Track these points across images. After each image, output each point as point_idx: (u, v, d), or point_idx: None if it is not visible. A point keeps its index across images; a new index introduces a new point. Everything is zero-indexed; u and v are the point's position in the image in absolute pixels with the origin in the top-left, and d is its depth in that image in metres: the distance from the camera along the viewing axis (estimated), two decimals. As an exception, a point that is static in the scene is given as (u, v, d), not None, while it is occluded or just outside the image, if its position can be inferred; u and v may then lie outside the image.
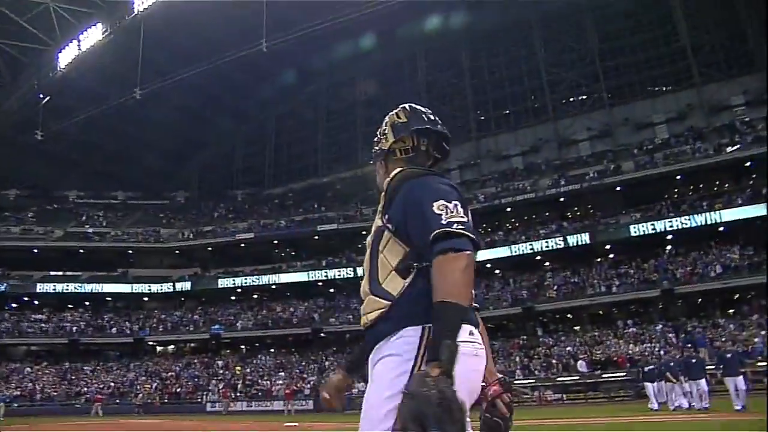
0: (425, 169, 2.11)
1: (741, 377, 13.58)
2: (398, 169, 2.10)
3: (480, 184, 49.68)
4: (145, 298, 50.29)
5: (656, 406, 16.27)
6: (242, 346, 46.73)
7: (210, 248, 50.87)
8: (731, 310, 32.57)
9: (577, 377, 27.94)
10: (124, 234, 50.66)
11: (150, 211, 55.56)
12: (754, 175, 36.38)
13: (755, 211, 33.16)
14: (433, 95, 56.29)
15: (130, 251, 50.67)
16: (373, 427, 1.83)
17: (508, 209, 44.64)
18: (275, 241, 51.14)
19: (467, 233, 1.80)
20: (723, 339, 25.12)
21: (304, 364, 41.23)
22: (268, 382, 37.21)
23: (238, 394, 36.17)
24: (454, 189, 2.02)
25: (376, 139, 2.39)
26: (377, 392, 1.90)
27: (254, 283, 48.19)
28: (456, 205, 1.90)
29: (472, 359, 1.83)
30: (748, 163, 35.47)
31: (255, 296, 50.12)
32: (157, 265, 51.00)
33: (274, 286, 48.56)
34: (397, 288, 1.94)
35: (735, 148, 35.73)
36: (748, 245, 33.73)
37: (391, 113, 2.38)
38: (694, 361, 14.71)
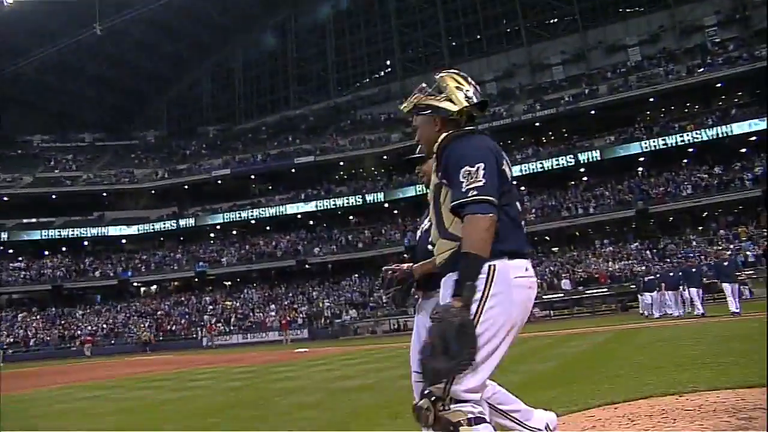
0: (463, 130, 2.31)
1: (737, 284, 14.48)
2: (445, 134, 2.31)
3: (455, 112, 49.63)
4: (123, 240, 50.01)
5: (657, 314, 17.32)
6: (227, 282, 47.29)
7: (186, 187, 50.34)
8: (700, 227, 34.36)
9: (562, 294, 29.55)
10: (96, 177, 49.61)
11: (120, 152, 54.21)
12: (723, 96, 37.51)
13: (724, 130, 34.45)
14: (404, 21, 55.21)
15: (105, 194, 49.81)
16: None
17: (484, 134, 44.96)
18: (252, 176, 50.91)
19: (483, 197, 2.08)
20: (698, 253, 26.70)
21: (291, 295, 42.22)
22: (261, 314, 38.11)
23: (232, 328, 37.09)
24: (480, 149, 2.23)
25: (422, 93, 2.48)
26: None
27: (234, 219, 48.24)
28: (478, 168, 2.13)
29: (526, 291, 2.19)
30: (718, 84, 36.42)
31: (234, 232, 50.35)
32: (133, 206, 50.42)
33: (253, 221, 48.76)
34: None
35: (701, 70, 36.43)
36: (717, 164, 35.18)
37: (445, 75, 2.50)
38: (693, 270, 15.42)
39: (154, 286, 48.91)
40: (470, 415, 2.02)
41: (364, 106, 55.40)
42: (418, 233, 3.13)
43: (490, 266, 2.15)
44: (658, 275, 17.56)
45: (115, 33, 47.57)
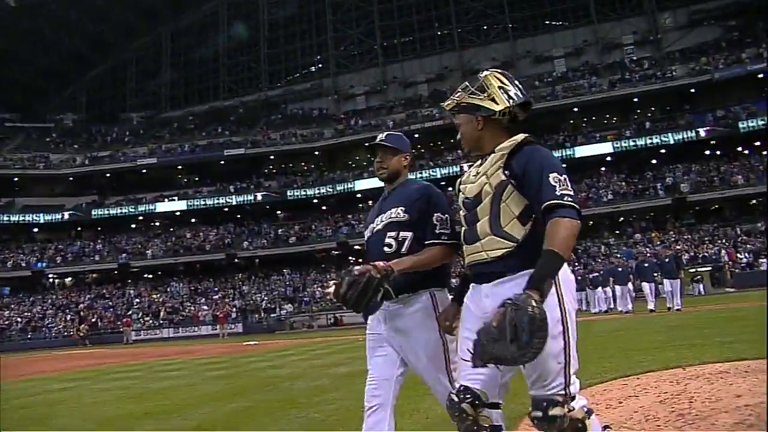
0: (530, 137, 2.35)
1: (678, 280, 15.25)
2: (521, 136, 2.33)
3: (387, 110, 50.36)
4: (35, 229, 46.99)
5: (605, 308, 18.53)
6: (148, 275, 45.45)
7: (108, 174, 48.03)
8: (617, 231, 37.02)
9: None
10: (7, 160, 46.23)
11: (34, 135, 50.77)
12: (639, 110, 40.62)
13: (640, 142, 37.38)
14: (340, 18, 55.27)
15: (16, 179, 46.50)
16: (551, 347, 2.11)
17: (416, 135, 45.89)
18: (179, 167, 49.34)
19: (575, 205, 2.14)
20: (617, 255, 28.92)
21: (218, 289, 41.39)
22: (193, 308, 37.16)
23: (162, 322, 35.93)
24: (557, 160, 2.31)
25: (465, 91, 2.47)
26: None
27: (159, 211, 46.58)
28: (566, 179, 2.18)
29: (572, 283, 2.30)
30: (635, 99, 39.41)
31: (158, 224, 48.63)
32: (47, 193, 47.40)
33: (179, 213, 47.33)
34: (519, 233, 2.23)
35: (620, 85, 39.29)
36: (633, 174, 38.07)
37: (490, 73, 2.47)
38: (646, 265, 16.32)
39: (69, 278, 46.28)
40: (586, 407, 2.13)
41: (295, 101, 55.05)
42: (367, 233, 2.95)
43: None
44: (606, 273, 18.60)
45: (31, 6, 44.61)
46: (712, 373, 4.92)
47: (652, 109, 40.97)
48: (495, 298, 2.22)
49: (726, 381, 4.58)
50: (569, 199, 2.13)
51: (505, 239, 2.24)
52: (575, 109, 41.15)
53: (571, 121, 42.99)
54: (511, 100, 2.37)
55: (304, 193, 46.30)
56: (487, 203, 2.30)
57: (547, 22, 49.68)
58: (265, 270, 44.42)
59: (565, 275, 2.21)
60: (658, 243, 31.26)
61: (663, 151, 38.30)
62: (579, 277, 19.50)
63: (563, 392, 2.11)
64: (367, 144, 3.01)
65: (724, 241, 30.85)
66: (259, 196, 46.32)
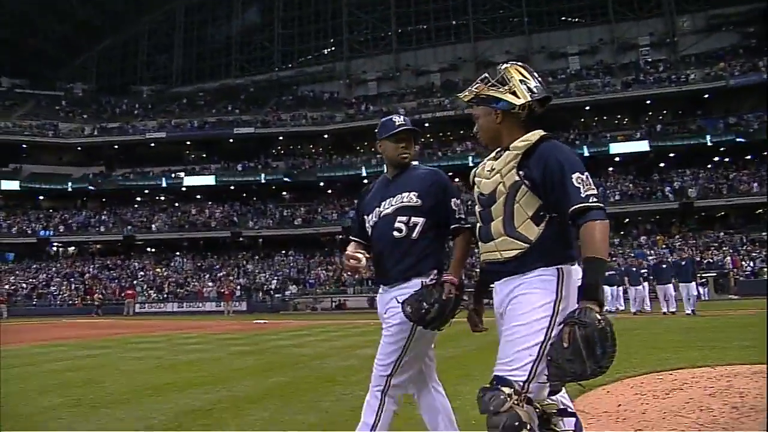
0: (549, 134, 2.32)
1: (693, 283, 15.18)
2: (534, 134, 2.29)
3: (399, 97, 50.30)
4: (41, 197, 47.10)
5: (613, 308, 17.71)
6: (150, 249, 45.63)
7: (116, 146, 48.04)
8: (622, 233, 37.23)
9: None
10: (16, 126, 46.17)
11: (43, 102, 50.68)
12: (650, 113, 40.65)
13: (651, 144, 37.48)
14: (355, 2, 54.99)
15: (24, 145, 46.49)
16: (528, 338, 2.16)
17: (427, 124, 45.96)
18: (188, 142, 49.34)
19: (601, 204, 2.13)
20: (632, 255, 29.07)
21: (222, 267, 41.61)
22: (198, 284, 37.42)
23: (167, 295, 36.21)
24: (578, 156, 2.27)
25: (484, 83, 2.40)
26: (527, 315, 2.20)
27: (166, 185, 46.66)
28: (587, 176, 2.16)
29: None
30: (648, 101, 39.42)
31: (163, 198, 48.76)
32: (55, 162, 47.43)
33: (184, 189, 47.47)
34: (533, 233, 2.23)
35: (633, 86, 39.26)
36: (640, 176, 38.18)
37: (510, 65, 2.42)
38: (664, 266, 16.05)
39: (73, 248, 46.47)
40: (534, 425, 2.09)
41: (306, 83, 54.99)
42: (372, 217, 2.93)
43: (559, 269, 2.23)
44: (621, 272, 18.36)
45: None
46: (748, 374, 5.13)
47: (664, 112, 41.01)
48: (500, 295, 2.32)
49: (757, 384, 4.80)
50: (594, 199, 2.12)
51: (519, 240, 2.24)
52: (587, 108, 41.15)
53: (583, 119, 43.00)
54: (531, 94, 2.33)
55: (311, 176, 46.43)
56: (501, 203, 2.29)
57: (564, 19, 49.52)
58: (268, 250, 44.65)
59: (571, 280, 2.23)
60: (663, 246, 31.47)
61: (672, 154, 38.44)
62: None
63: (522, 384, 2.09)
64: (397, 130, 2.94)
65: (728, 248, 31.04)
66: (266, 177, 46.49)
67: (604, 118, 42.41)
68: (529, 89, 2.33)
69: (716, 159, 38.24)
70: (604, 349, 1.95)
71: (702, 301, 23.11)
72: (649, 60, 43.21)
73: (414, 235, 2.78)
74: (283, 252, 43.91)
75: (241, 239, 44.49)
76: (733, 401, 4.02)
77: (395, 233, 2.80)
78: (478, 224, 2.42)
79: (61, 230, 43.72)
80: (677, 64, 41.72)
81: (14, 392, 5.98)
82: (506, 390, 2.07)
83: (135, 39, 57.72)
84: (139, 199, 48.43)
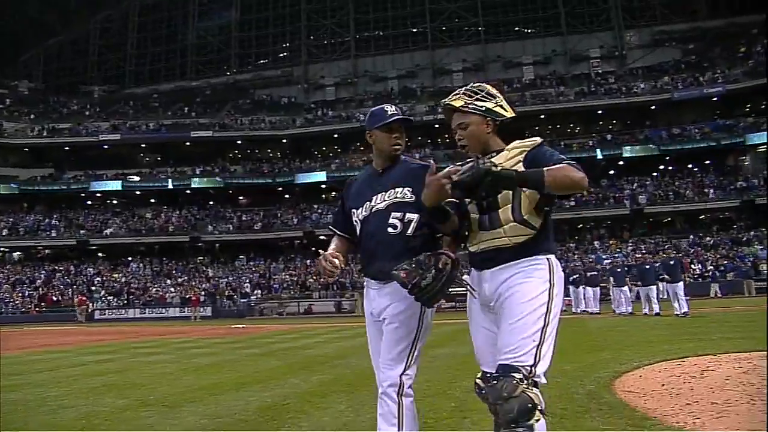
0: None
1: (681, 283, 14.60)
2: (539, 139, 2.49)
3: (357, 103, 50.67)
4: (-20, 200, 44.96)
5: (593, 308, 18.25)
6: (101, 254, 44.14)
7: (67, 148, 46.40)
8: (577, 237, 38.80)
9: (463, 289, 31.91)
10: (-45, 125, 43.99)
11: (-15, 99, 48.45)
12: (601, 122, 42.64)
13: (600, 153, 39.30)
14: (314, 7, 55.13)
15: (-36, 145, 44.33)
16: (530, 326, 2.26)
17: (385, 131, 46.52)
18: (143, 145, 48.23)
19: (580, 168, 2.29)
20: (590, 258, 30.52)
21: (182, 272, 40.84)
22: (159, 289, 36.64)
23: (127, 302, 35.31)
24: None
25: (474, 94, 2.55)
26: (527, 303, 2.31)
27: (120, 188, 45.42)
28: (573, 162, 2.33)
29: (562, 280, 2.45)
30: (599, 111, 41.35)
31: (115, 202, 47.45)
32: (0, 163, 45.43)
33: (138, 192, 46.36)
34: (536, 222, 2.38)
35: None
36: (592, 183, 39.94)
37: (492, 85, 2.62)
38: (647, 267, 15.86)
39: (18, 253, 44.50)
40: (542, 406, 2.19)
41: (264, 87, 54.64)
42: (362, 211, 2.83)
43: (549, 259, 2.40)
44: (586, 273, 19.17)
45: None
46: (757, 359, 5.81)
47: (614, 121, 43.08)
48: (493, 282, 2.40)
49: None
50: (574, 162, 2.30)
51: (526, 227, 2.36)
52: (542, 116, 42.70)
53: (537, 128, 44.51)
54: (512, 111, 2.58)
55: (269, 180, 46.23)
56: (509, 192, 2.38)
57: (518, 29, 51.21)
58: (227, 255, 44.14)
59: (559, 272, 2.41)
60: (617, 251, 33.10)
61: (621, 162, 40.44)
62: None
63: (529, 368, 2.21)
64: (390, 120, 2.80)
65: (676, 252, 32.95)
66: (225, 181, 46.00)
67: (558, 126, 44.11)
68: (510, 106, 2.60)
69: (662, 167, 40.46)
70: (469, 178, 2.22)
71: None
72: (600, 72, 45.30)
73: (409, 231, 2.70)
74: (243, 257, 43.53)
75: (200, 244, 43.82)
76: (769, 377, 4.65)
77: (390, 230, 2.72)
78: (475, 216, 2.47)
79: (4, 234, 41.83)
80: (626, 76, 43.91)
81: (56, 396, 6.00)
82: (517, 375, 2.17)
83: (86, 37, 55.94)
84: (90, 202, 46.95)
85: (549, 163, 2.30)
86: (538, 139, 2.48)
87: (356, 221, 2.85)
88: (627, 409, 4.26)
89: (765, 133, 34.95)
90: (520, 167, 2.36)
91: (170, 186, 45.22)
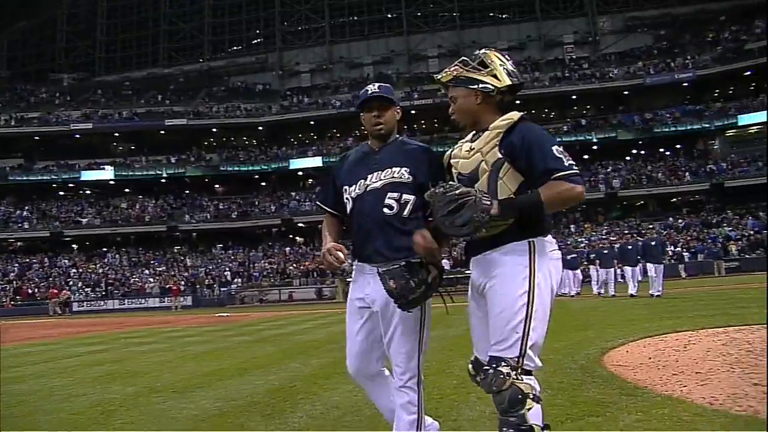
0: (522, 114, 2.39)
1: (662, 265, 14.53)
2: (515, 114, 2.36)
3: (333, 90, 50.51)
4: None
5: (574, 291, 18.25)
6: (74, 246, 43.46)
7: (37, 137, 45.41)
8: (551, 221, 39.38)
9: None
10: None
11: (-52, 88, 47.02)
12: (575, 107, 43.27)
13: (574, 138, 39.96)
14: (289, -9, 54.57)
15: (-74, 135, 43.06)
16: (512, 317, 2.25)
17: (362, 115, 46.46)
18: (116, 134, 47.45)
19: (580, 176, 2.24)
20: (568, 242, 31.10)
21: (159, 262, 40.51)
22: (138, 280, 36.34)
23: (103, 293, 34.96)
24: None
25: (464, 65, 2.46)
26: (507, 296, 2.28)
27: (95, 178, 44.73)
28: (563, 149, 2.27)
29: (557, 262, 2.42)
30: (574, 96, 41.96)
31: (88, 192, 46.67)
32: (-37, 153, 44.28)
33: (112, 182, 45.69)
34: None
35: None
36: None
37: (491, 52, 2.48)
38: (630, 248, 15.71)
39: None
40: (536, 392, 2.22)
41: (238, 74, 54.14)
42: (356, 189, 2.72)
43: (530, 243, 2.31)
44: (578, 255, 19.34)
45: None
46: (733, 333, 6.21)
47: (588, 107, 43.78)
48: (478, 269, 2.41)
49: (752, 336, 5.91)
50: (576, 169, 2.24)
51: None
52: (517, 102, 42.90)
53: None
54: (511, 78, 2.42)
55: (246, 168, 46.00)
56: (485, 181, 2.32)
57: (493, 15, 51.49)
58: (204, 244, 43.89)
59: (552, 256, 2.36)
60: (592, 234, 33.83)
61: (595, 147, 41.18)
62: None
63: (516, 360, 2.22)
64: (369, 96, 2.76)
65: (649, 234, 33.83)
66: (200, 169, 45.65)
67: (533, 111, 44.56)
68: (509, 73, 2.43)
69: (634, 152, 41.33)
70: (463, 224, 2.17)
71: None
72: (574, 57, 45.89)
73: (405, 213, 2.63)
74: (221, 246, 43.35)
75: (177, 234, 43.47)
76: (746, 348, 5.02)
77: (386, 210, 2.64)
78: None
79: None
80: (599, 62, 44.58)
81: (62, 385, 6.09)
82: (504, 369, 2.20)
83: (53, 23, 54.52)
84: (62, 193, 46.14)
85: (543, 171, 2.22)
86: (515, 116, 2.35)
87: (347, 198, 2.76)
88: (619, 380, 4.56)
89: (761, 113, 35.91)
90: (496, 154, 2.30)
91: (143, 175, 44.66)
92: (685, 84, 40.12)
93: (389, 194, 2.65)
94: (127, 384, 5.95)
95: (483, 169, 2.35)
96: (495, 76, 2.41)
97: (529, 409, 2.18)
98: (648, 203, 39.49)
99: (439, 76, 2.55)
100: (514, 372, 2.21)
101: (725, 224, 33.98)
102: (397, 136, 2.82)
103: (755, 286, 14.53)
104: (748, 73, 38.62)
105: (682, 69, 39.85)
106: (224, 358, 7.77)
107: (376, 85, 2.80)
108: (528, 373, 2.24)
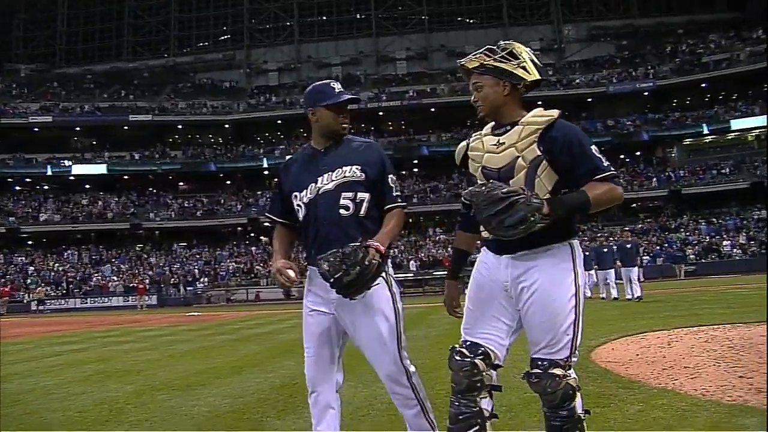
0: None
1: (637, 268, 14.37)
2: (555, 112, 2.33)
3: (300, 89, 50.16)
4: None
5: None
6: (30, 242, 42.10)
7: (-8, 130, 43.80)
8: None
9: (411, 275, 32.65)
10: None
11: None
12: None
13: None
14: (259, -12, 54.08)
15: None
16: (563, 320, 2.27)
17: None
18: (77, 128, 46.15)
19: (617, 173, 2.26)
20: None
21: (120, 261, 39.62)
22: (100, 278, 35.46)
23: (64, 291, 34.00)
24: None
25: (492, 54, 2.42)
26: (558, 300, 2.28)
27: (54, 173, 43.44)
28: (598, 149, 2.27)
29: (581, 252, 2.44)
30: (539, 103, 42.57)
31: (47, 187, 45.30)
32: None
33: (72, 177, 44.44)
34: None
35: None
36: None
37: (518, 44, 2.46)
38: (605, 251, 15.41)
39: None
40: (577, 384, 2.30)
41: (204, 70, 53.46)
42: (307, 193, 2.63)
43: (571, 245, 2.35)
44: None
45: None
46: (711, 332, 6.59)
47: (553, 113, 44.71)
48: (513, 270, 2.34)
49: (730, 333, 6.29)
50: (613, 168, 2.27)
51: None
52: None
53: (477, 118, 45.63)
54: (540, 73, 2.41)
55: (212, 166, 45.47)
56: (522, 177, 2.27)
57: (461, 19, 52.18)
58: (168, 242, 43.12)
59: (580, 254, 2.38)
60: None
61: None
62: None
63: (566, 359, 2.28)
64: (351, 98, 2.70)
65: (612, 237, 34.89)
66: (163, 166, 44.90)
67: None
68: (537, 67, 2.41)
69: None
70: (515, 224, 2.11)
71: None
72: (540, 64, 46.80)
73: (362, 212, 2.58)
74: (184, 244, 42.70)
75: (140, 231, 42.60)
76: (728, 344, 5.38)
77: (342, 211, 2.56)
78: None
79: None
80: (564, 69, 45.68)
81: (55, 384, 6.04)
82: (558, 371, 2.25)
83: (9, 11, 52.61)
84: (18, 188, 44.68)
85: (586, 171, 2.22)
86: (555, 113, 2.32)
87: (299, 205, 2.66)
88: (612, 375, 4.83)
89: (752, 118, 37.41)
90: (535, 150, 2.26)
91: (105, 171, 43.65)
92: (646, 93, 41.53)
93: (343, 194, 2.58)
94: (123, 382, 5.94)
95: (521, 166, 2.28)
96: (525, 69, 2.39)
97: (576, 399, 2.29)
98: (610, 208, 40.54)
99: (463, 61, 2.50)
100: (565, 372, 2.26)
101: (682, 229, 35.30)
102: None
103: (712, 289, 15.30)
104: (704, 84, 40.26)
105: (643, 78, 41.25)
106: (213, 356, 7.79)
107: (338, 84, 2.74)
108: (571, 367, 2.31)
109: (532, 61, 2.41)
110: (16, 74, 50.19)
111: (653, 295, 14.91)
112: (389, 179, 2.62)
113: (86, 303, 32.26)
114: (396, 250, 37.23)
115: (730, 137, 40.46)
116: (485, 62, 2.41)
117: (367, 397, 4.56)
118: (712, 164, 39.40)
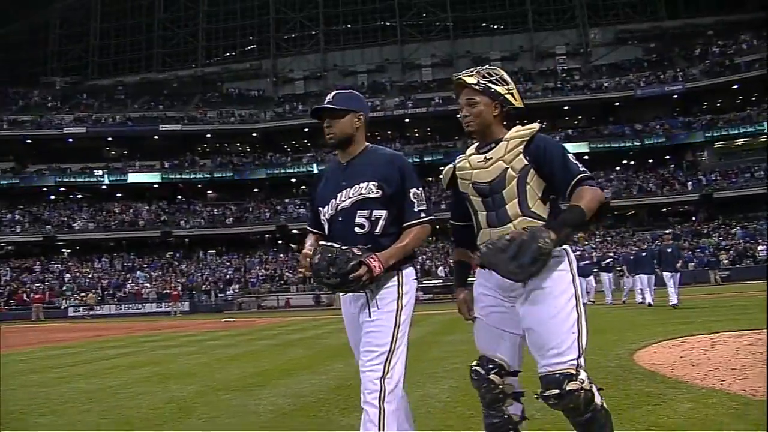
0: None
1: (678, 274, 13.77)
2: (536, 125, 2.51)
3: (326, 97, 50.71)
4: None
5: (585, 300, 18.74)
6: (65, 250, 43.27)
7: (29, 141, 45.21)
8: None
9: (440, 281, 32.77)
10: None
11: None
12: (567, 118, 44.07)
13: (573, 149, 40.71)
14: (283, 0, 54.90)
15: None
16: (566, 318, 2.33)
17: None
18: (109, 138, 47.36)
19: (592, 176, 2.38)
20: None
21: (154, 267, 40.47)
22: (134, 285, 36.30)
23: (99, 298, 34.87)
24: None
25: (488, 76, 2.55)
26: (558, 302, 2.36)
27: (87, 182, 44.65)
28: (574, 157, 2.42)
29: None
30: (566, 107, 42.74)
31: (80, 196, 46.47)
32: (-48, 155, 43.90)
33: (104, 186, 45.57)
34: (544, 212, 2.40)
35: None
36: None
37: (503, 73, 2.60)
38: (644, 255, 15.21)
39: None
40: (593, 387, 2.35)
41: (232, 80, 54.35)
42: (328, 210, 2.61)
43: (565, 249, 2.43)
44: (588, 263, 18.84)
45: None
46: (754, 334, 6.65)
47: (579, 117, 44.61)
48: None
49: None
50: (588, 173, 2.38)
51: (534, 218, 2.38)
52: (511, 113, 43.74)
53: (505, 123, 45.59)
54: (522, 101, 2.61)
55: (241, 174, 46.19)
56: (514, 186, 2.40)
57: (486, 25, 52.28)
58: (198, 249, 43.90)
59: (574, 259, 2.47)
60: (585, 243, 34.44)
61: (586, 157, 41.93)
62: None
63: (575, 365, 2.29)
64: (312, 109, 2.70)
65: (642, 243, 34.55)
66: (194, 175, 45.79)
67: (525, 122, 45.08)
68: (520, 96, 2.63)
69: (625, 162, 42.17)
70: (530, 262, 2.19)
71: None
72: (565, 68, 46.75)
73: (377, 230, 2.52)
74: (214, 251, 43.43)
75: (171, 239, 43.49)
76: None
77: (357, 229, 2.53)
78: (483, 213, 2.49)
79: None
80: (590, 73, 45.47)
81: (119, 385, 6.35)
82: (574, 387, 2.27)
83: (45, 26, 54.29)
84: (53, 197, 45.97)
85: (568, 178, 2.35)
86: (535, 126, 2.50)
87: (324, 221, 2.67)
88: (659, 376, 4.96)
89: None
90: (522, 160, 2.41)
91: (135, 180, 44.72)
92: (675, 96, 41.12)
93: (359, 212, 2.53)
94: (183, 383, 6.21)
95: (511, 176, 2.42)
96: (512, 95, 2.57)
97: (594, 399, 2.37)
98: (639, 213, 40.32)
99: (462, 76, 2.57)
100: (581, 382, 2.28)
101: (715, 234, 34.79)
102: (367, 144, 2.69)
103: (748, 295, 15.07)
104: (736, 86, 39.70)
105: (672, 81, 40.84)
106: (261, 360, 8.07)
107: (333, 93, 2.71)
108: (582, 368, 2.32)
109: (515, 89, 2.60)
110: (52, 87, 51.67)
111: (689, 300, 14.83)
112: (411, 194, 2.55)
113: (120, 309, 33.03)
114: (424, 256, 37.37)
115: (763, 139, 39.78)
116: (483, 82, 2.54)
117: (423, 396, 4.76)
118: (744, 167, 38.75)
